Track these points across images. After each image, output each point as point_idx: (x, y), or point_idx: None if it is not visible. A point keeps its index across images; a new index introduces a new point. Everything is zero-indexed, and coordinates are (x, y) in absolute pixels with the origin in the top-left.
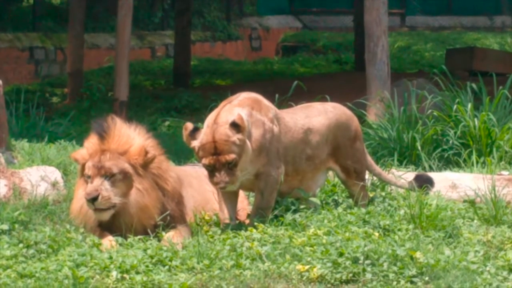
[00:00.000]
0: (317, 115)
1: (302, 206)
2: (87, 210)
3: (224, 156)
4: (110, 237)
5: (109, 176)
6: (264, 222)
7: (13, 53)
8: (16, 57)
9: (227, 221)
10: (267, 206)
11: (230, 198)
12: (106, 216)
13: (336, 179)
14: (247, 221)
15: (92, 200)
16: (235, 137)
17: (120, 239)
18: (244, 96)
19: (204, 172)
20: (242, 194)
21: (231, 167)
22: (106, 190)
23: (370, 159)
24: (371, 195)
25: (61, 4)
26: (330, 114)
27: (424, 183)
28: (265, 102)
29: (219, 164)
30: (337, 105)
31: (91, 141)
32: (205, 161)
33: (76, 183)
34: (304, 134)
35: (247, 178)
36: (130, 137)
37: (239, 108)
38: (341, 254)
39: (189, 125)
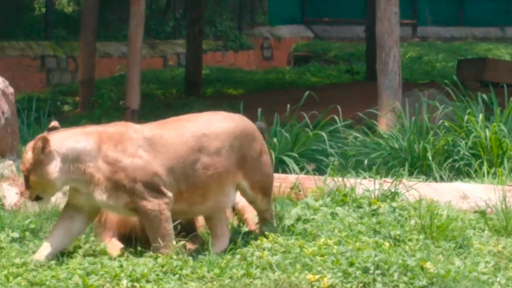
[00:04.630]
0: (218, 121)
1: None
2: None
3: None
4: (118, 243)
5: None
6: (169, 249)
7: (25, 62)
8: (27, 65)
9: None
10: (163, 238)
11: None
12: None
13: (347, 189)
14: (257, 231)
15: None
16: (28, 154)
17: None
18: (106, 128)
19: None
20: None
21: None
22: None
23: None
24: (381, 205)
25: (73, 12)
26: (236, 122)
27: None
28: (131, 134)
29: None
30: (243, 117)
31: None
32: None
33: None
34: (197, 141)
35: (121, 211)
36: None
37: (85, 137)
38: (351, 264)
39: (54, 123)
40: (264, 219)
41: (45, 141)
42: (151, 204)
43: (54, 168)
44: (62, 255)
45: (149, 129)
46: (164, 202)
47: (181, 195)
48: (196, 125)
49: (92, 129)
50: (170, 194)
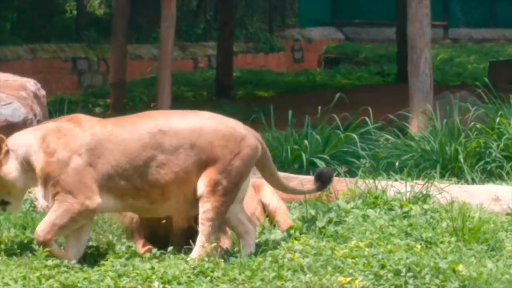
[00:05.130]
0: (183, 118)
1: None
2: None
3: None
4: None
5: None
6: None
7: (56, 64)
8: (59, 68)
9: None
10: (50, 225)
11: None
12: None
13: (378, 192)
14: (288, 221)
15: None
16: None
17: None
18: (60, 123)
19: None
20: (275, 197)
21: None
22: None
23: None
24: (413, 208)
25: (104, 15)
26: (209, 121)
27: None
28: (78, 130)
29: None
30: (226, 117)
31: None
32: None
33: None
34: (151, 138)
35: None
36: None
37: (33, 132)
38: (383, 267)
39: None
40: (201, 230)
41: (1, 141)
42: (72, 199)
43: (12, 167)
44: (93, 255)
45: (101, 126)
46: (88, 204)
47: (137, 192)
48: (155, 121)
49: (45, 125)
50: (98, 200)
